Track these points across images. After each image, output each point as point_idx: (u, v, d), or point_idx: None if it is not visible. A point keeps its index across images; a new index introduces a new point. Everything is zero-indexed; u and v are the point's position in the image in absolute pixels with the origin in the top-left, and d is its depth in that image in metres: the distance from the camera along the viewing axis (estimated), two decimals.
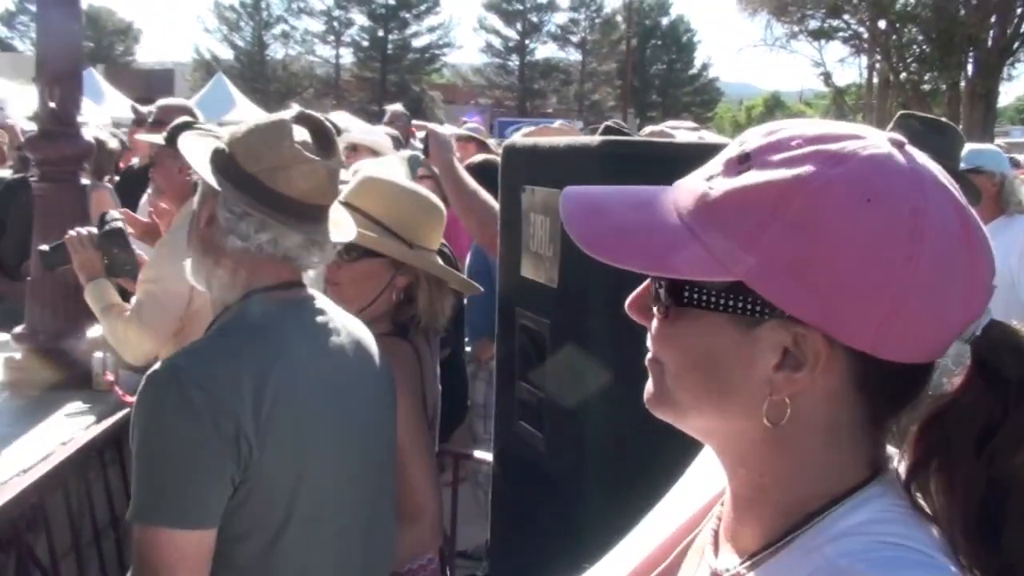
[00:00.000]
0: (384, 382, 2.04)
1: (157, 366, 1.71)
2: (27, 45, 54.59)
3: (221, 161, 1.79)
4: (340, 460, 1.84)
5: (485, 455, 3.38)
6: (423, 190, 2.74)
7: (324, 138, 1.86)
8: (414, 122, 3.28)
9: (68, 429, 3.64)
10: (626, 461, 1.98)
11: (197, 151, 1.84)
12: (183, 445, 1.66)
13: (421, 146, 4.49)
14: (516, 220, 2.34)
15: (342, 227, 1.94)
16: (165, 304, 3.34)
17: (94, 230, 3.50)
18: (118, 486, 3.66)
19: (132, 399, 3.55)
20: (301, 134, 1.82)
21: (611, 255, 0.89)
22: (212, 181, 1.77)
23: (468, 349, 4.44)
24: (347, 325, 1.96)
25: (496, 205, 3.25)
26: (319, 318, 1.89)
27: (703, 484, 1.10)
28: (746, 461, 0.92)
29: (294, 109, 1.86)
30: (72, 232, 3.46)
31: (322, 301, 1.94)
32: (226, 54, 57.58)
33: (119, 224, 3.50)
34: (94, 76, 20.83)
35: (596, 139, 2.02)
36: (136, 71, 46.15)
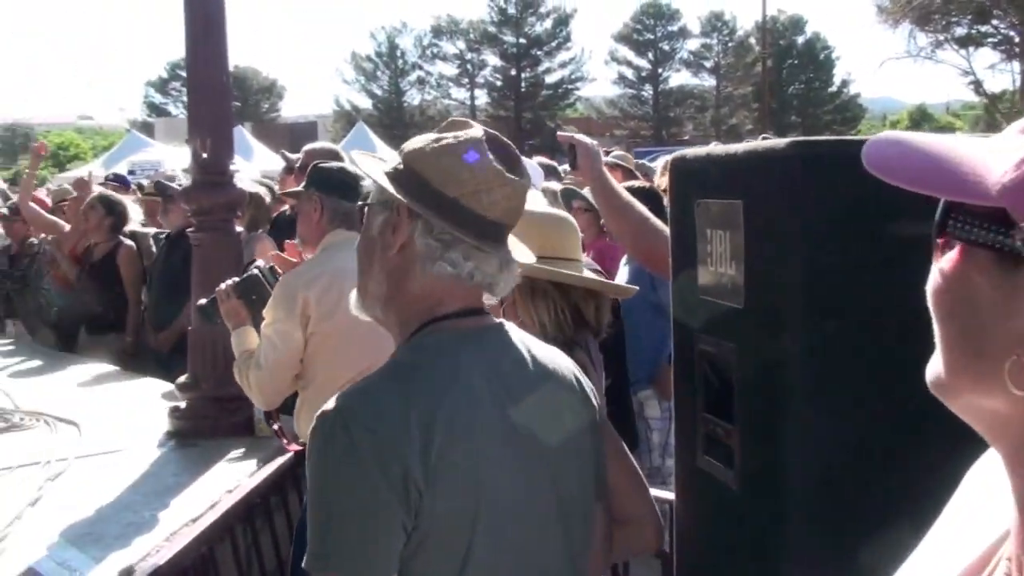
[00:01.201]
0: (585, 409, 1.88)
1: (327, 405, 1.61)
2: (180, 109, 57.47)
3: (412, 185, 1.69)
4: (528, 500, 1.69)
5: (663, 493, 3.19)
6: (543, 208, 2.61)
7: (511, 156, 1.76)
8: (559, 134, 3.19)
9: (233, 477, 3.66)
10: (835, 500, 1.77)
11: (376, 172, 1.74)
12: (351, 492, 1.56)
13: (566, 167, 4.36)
14: (690, 238, 2.16)
15: (517, 247, 1.82)
16: (279, 346, 3.36)
17: (237, 279, 3.58)
18: (284, 532, 3.64)
19: (295, 447, 3.58)
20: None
21: (882, 169, 0.79)
22: (411, 204, 1.67)
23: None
24: (536, 353, 1.82)
25: (651, 218, 3.07)
26: (501, 347, 1.77)
27: (976, 525, 0.92)
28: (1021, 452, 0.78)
29: (476, 128, 1.74)
30: (221, 285, 3.57)
31: (508, 328, 1.82)
32: (365, 103, 59.54)
33: (255, 272, 3.57)
34: (243, 134, 21.67)
35: (783, 141, 1.84)
36: (281, 126, 47.85)
